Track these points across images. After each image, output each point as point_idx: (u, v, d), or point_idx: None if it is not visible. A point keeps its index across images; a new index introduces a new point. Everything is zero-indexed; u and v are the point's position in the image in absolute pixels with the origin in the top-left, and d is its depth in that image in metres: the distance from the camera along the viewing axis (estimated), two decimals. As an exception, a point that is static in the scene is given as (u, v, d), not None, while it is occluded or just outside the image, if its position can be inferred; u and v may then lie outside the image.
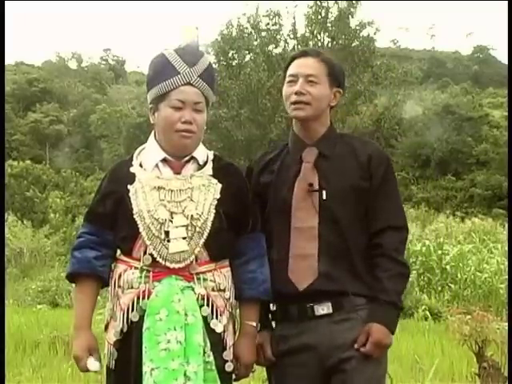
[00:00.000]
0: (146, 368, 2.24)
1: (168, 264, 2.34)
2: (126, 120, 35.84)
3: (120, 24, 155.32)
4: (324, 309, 2.46)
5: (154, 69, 2.47)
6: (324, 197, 2.48)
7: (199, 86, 2.42)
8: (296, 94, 2.51)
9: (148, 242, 2.34)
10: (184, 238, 2.35)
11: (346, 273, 2.47)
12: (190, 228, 2.35)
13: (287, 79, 2.57)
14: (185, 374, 2.23)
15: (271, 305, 2.56)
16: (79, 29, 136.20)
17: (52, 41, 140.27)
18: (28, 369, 6.34)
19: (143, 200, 2.37)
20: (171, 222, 2.35)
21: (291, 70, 2.57)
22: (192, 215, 2.36)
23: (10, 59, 58.52)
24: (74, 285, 2.50)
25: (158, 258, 2.34)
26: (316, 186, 2.49)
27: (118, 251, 2.45)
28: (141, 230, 2.34)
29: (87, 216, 2.49)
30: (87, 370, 2.40)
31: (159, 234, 2.34)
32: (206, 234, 2.37)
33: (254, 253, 2.49)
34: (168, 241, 2.34)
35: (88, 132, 44.15)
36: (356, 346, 2.42)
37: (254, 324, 2.49)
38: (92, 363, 2.38)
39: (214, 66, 2.80)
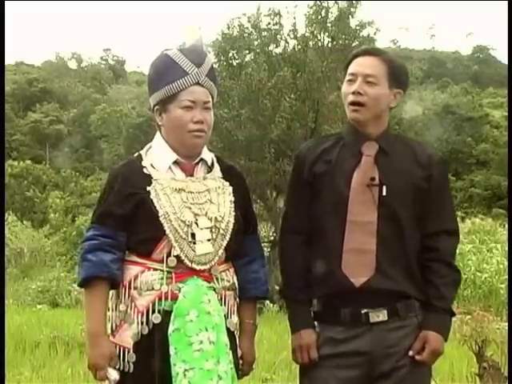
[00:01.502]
0: (177, 369, 2.22)
1: (194, 266, 2.34)
2: (126, 120, 35.79)
3: (120, 24, 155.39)
4: (379, 316, 2.38)
5: (158, 70, 2.46)
6: (384, 192, 2.40)
7: (207, 85, 2.43)
8: (353, 93, 2.44)
9: (175, 244, 2.33)
10: (208, 240, 2.36)
11: (403, 273, 2.40)
12: (213, 230, 2.36)
13: (346, 78, 2.49)
14: (217, 374, 2.24)
15: (314, 303, 2.48)
16: (79, 29, 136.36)
17: (52, 41, 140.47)
18: (28, 369, 6.34)
19: (167, 202, 2.35)
20: (196, 224, 2.35)
21: (351, 68, 2.48)
22: (216, 217, 2.37)
23: (10, 59, 58.63)
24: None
25: (185, 260, 2.33)
26: (377, 181, 2.42)
27: (127, 252, 2.41)
28: (167, 232, 2.32)
29: (99, 218, 2.42)
30: (103, 380, 2.35)
31: (186, 236, 2.34)
32: (228, 236, 2.38)
33: (256, 253, 2.52)
34: (194, 243, 2.34)
35: (88, 132, 44.17)
36: (411, 353, 2.38)
37: (253, 322, 2.52)
38: (112, 373, 2.32)
39: (214, 65, 2.81)
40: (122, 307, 2.38)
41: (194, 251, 2.34)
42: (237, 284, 2.46)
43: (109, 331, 2.40)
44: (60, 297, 13.27)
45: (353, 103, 2.44)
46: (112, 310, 2.41)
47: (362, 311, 2.38)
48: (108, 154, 37.93)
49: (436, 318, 2.40)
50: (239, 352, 2.43)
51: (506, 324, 5.23)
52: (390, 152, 2.47)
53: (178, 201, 2.36)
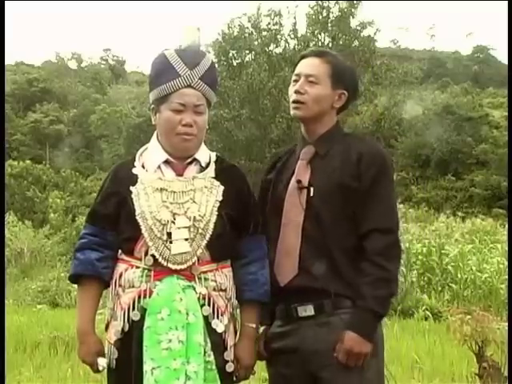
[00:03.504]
0: (146, 367, 2.24)
1: (170, 265, 2.34)
2: (126, 120, 35.82)
3: (120, 24, 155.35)
4: (306, 310, 2.44)
5: (155, 70, 2.47)
6: (311, 194, 2.47)
7: (200, 88, 2.42)
8: (295, 92, 2.52)
9: (150, 243, 2.34)
10: (186, 240, 2.35)
11: (327, 271, 2.43)
12: (192, 229, 2.36)
13: (292, 78, 2.58)
14: (185, 374, 2.23)
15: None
16: (79, 29, 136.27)
17: (52, 41, 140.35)
18: (28, 369, 6.34)
19: (145, 201, 2.37)
20: (173, 223, 2.35)
21: (296, 69, 2.58)
22: (194, 217, 2.36)
23: (9, 59, 58.53)
24: (75, 285, 2.51)
25: (159, 259, 2.34)
26: (306, 183, 2.49)
27: (119, 251, 2.45)
28: (143, 231, 2.34)
29: (89, 217, 2.48)
30: (97, 372, 2.42)
31: (161, 235, 2.34)
32: (208, 236, 2.37)
33: (255, 255, 2.49)
34: (170, 242, 2.34)
35: (88, 132, 44.15)
36: (335, 353, 2.38)
37: (254, 326, 2.49)
38: (102, 361, 2.39)
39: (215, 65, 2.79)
40: (109, 304, 2.43)
41: (170, 250, 2.34)
42: (228, 285, 2.43)
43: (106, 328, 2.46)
44: (60, 297, 13.25)
45: (294, 102, 2.52)
46: (107, 307, 2.46)
47: (291, 306, 2.46)
48: (108, 153, 37.94)
49: (356, 318, 2.40)
50: (230, 354, 2.41)
51: (506, 324, 5.22)
52: (324, 154, 2.53)
53: (157, 200, 2.37)
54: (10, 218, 21.77)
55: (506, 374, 4.95)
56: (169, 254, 2.34)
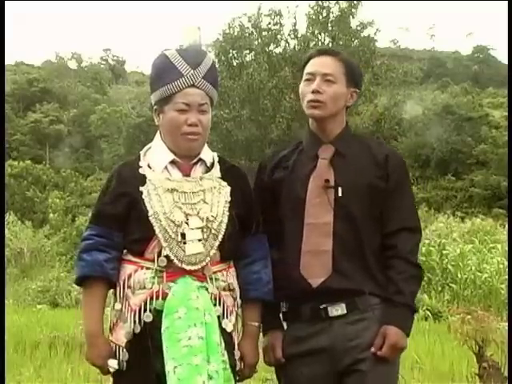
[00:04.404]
0: (168, 367, 2.22)
1: (184, 266, 2.33)
2: (126, 120, 35.81)
3: (120, 24, 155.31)
4: (338, 310, 2.43)
5: (157, 70, 2.46)
6: (340, 193, 2.45)
7: (203, 87, 2.42)
8: (312, 92, 2.49)
9: (164, 244, 2.33)
10: (199, 240, 2.35)
11: (360, 271, 2.44)
12: (205, 230, 2.36)
13: (304, 77, 2.55)
14: (207, 372, 2.22)
15: (282, 304, 2.53)
16: (79, 29, 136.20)
17: (52, 41, 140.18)
18: (28, 369, 6.34)
19: (158, 202, 2.35)
20: (187, 224, 2.35)
21: (308, 68, 2.54)
22: (207, 217, 2.36)
23: (9, 59, 58.54)
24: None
25: (174, 260, 2.33)
26: (332, 183, 2.47)
27: (124, 252, 2.43)
28: (157, 231, 2.33)
29: (95, 218, 2.44)
30: (107, 374, 2.41)
31: (176, 236, 2.33)
32: (220, 236, 2.37)
33: (259, 254, 2.50)
34: (184, 243, 2.34)
35: (88, 132, 44.13)
36: (373, 349, 2.40)
37: (257, 324, 2.50)
38: (113, 363, 2.36)
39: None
40: (117, 306, 2.40)
41: (184, 251, 2.33)
42: (235, 285, 2.45)
43: (108, 329, 2.42)
44: (60, 297, 13.26)
45: (312, 101, 2.50)
46: (112, 309, 2.43)
47: (321, 306, 2.43)
48: (108, 153, 37.94)
49: (395, 313, 2.43)
50: (238, 353, 2.42)
51: (506, 324, 5.22)
52: (345, 153, 2.52)
53: (169, 201, 2.36)
54: (10, 217, 21.78)
55: (506, 373, 4.95)
56: (183, 254, 2.33)
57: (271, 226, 2.52)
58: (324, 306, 2.43)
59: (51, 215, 26.55)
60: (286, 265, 2.47)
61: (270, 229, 2.52)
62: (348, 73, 2.53)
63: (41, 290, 13.91)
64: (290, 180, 2.53)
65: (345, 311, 2.43)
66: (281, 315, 2.56)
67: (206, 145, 2.49)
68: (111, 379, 2.45)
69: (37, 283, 14.50)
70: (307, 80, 2.53)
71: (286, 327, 2.54)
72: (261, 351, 2.55)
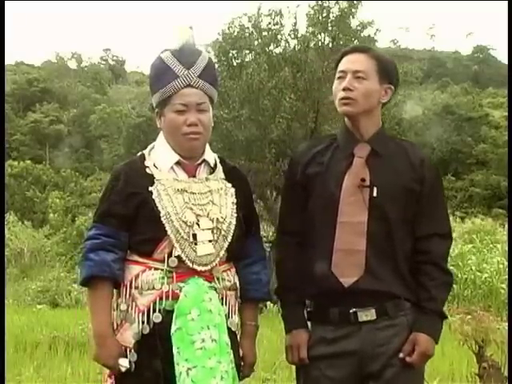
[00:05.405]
0: (181, 368, 2.22)
1: (195, 266, 2.34)
2: (126, 120, 35.72)
3: (120, 24, 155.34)
4: (368, 315, 2.40)
5: (154, 73, 2.47)
6: (375, 194, 2.42)
7: (200, 86, 2.41)
8: (344, 90, 2.46)
9: (176, 245, 2.33)
10: (210, 241, 2.36)
11: (391, 274, 2.41)
12: (215, 231, 2.36)
13: (337, 75, 2.52)
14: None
15: (308, 303, 2.50)
16: (79, 29, 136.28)
17: (52, 41, 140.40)
18: (28, 369, 6.35)
19: (169, 202, 2.35)
20: (198, 224, 2.35)
21: (341, 66, 2.52)
22: (217, 218, 2.37)
23: (9, 59, 58.57)
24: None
25: (186, 261, 2.33)
26: (367, 182, 2.44)
27: (128, 252, 2.41)
28: (169, 232, 2.32)
29: (101, 217, 2.41)
30: (121, 372, 2.37)
31: (187, 237, 2.34)
32: (230, 237, 2.38)
33: (258, 255, 2.52)
34: (195, 244, 2.34)
35: (88, 132, 44.14)
36: (401, 355, 2.38)
37: (255, 324, 2.52)
38: (124, 362, 2.34)
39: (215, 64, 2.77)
40: (122, 307, 2.38)
41: (196, 252, 2.34)
42: (238, 284, 2.46)
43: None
44: (60, 297, 13.26)
45: (343, 99, 2.47)
46: (113, 310, 2.41)
47: (351, 310, 2.40)
48: (108, 153, 37.91)
49: (426, 320, 2.41)
50: (240, 352, 2.43)
51: (506, 324, 5.22)
52: (382, 153, 2.49)
53: (179, 201, 2.36)
54: (10, 217, 21.80)
55: (506, 373, 4.95)
56: (194, 255, 2.34)
57: (305, 224, 2.48)
58: (354, 310, 2.39)
59: (51, 215, 26.58)
60: (318, 263, 2.42)
61: (299, 225, 2.48)
62: (380, 69, 2.49)
63: (41, 290, 13.93)
64: (325, 177, 2.47)
65: (374, 317, 2.40)
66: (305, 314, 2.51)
67: (207, 146, 2.49)
68: (109, 380, 2.41)
69: (37, 283, 14.52)
70: (339, 78, 2.50)
71: (310, 327, 2.49)
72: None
